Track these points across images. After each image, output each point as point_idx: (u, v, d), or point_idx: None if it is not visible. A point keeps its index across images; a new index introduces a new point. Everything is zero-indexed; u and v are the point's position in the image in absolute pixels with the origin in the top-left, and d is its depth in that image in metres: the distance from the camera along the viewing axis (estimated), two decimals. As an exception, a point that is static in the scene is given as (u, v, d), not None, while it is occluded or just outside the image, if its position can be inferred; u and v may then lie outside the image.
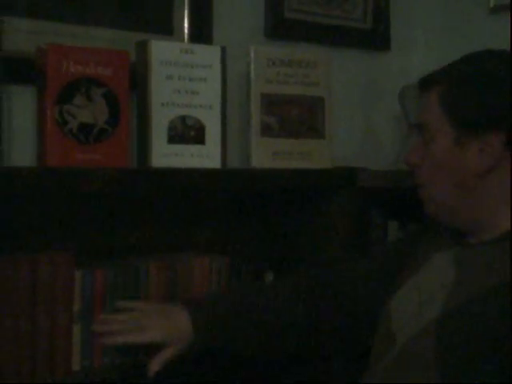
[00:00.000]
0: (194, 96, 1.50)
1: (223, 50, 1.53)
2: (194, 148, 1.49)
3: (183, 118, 1.48)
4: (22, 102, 1.42)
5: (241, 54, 1.61)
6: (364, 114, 2.00)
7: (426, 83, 1.25)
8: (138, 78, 1.47)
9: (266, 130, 1.60)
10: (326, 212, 1.64)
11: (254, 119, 1.59)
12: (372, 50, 2.00)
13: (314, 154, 1.64)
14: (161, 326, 1.27)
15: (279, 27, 1.82)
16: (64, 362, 1.31)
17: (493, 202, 1.19)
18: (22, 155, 1.41)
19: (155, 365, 1.27)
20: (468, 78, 1.20)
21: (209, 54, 1.51)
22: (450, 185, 1.21)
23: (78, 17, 1.52)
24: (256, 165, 1.59)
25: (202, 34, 1.68)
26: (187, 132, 1.49)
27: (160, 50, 1.46)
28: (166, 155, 1.47)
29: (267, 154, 1.60)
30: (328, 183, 1.63)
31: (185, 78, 1.49)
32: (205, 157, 1.51)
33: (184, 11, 1.66)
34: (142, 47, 1.46)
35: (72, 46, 1.38)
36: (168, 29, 1.64)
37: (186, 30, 1.66)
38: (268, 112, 1.60)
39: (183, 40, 1.65)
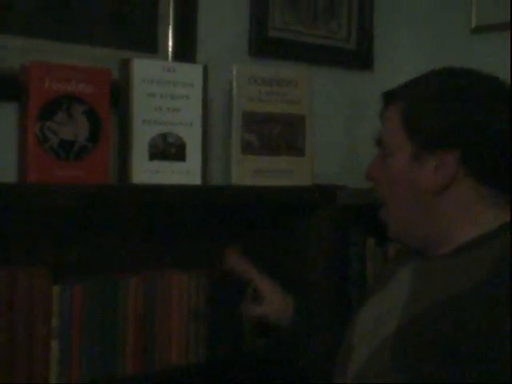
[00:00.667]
0: (176, 113, 1.52)
1: (205, 69, 1.55)
2: (174, 165, 1.51)
3: (164, 136, 1.50)
4: (6, 118, 1.43)
5: (224, 72, 1.63)
6: (347, 133, 2.03)
7: (388, 98, 1.26)
8: (121, 96, 1.49)
9: (247, 148, 1.62)
10: (305, 229, 1.66)
11: (235, 136, 1.61)
12: (355, 70, 2.03)
13: (294, 171, 1.66)
14: (278, 307, 1.43)
15: (263, 46, 1.84)
16: (41, 377, 1.32)
17: (449, 217, 1.19)
18: (5, 171, 1.43)
19: (250, 310, 1.45)
20: (428, 96, 1.20)
21: (191, 73, 1.54)
22: (407, 201, 1.22)
23: (64, 34, 1.53)
24: (236, 182, 1.61)
25: (185, 52, 1.70)
26: (168, 149, 1.51)
27: (142, 68, 1.48)
28: (146, 172, 1.48)
29: (248, 171, 1.62)
30: (307, 201, 1.65)
31: (166, 96, 1.51)
32: (185, 173, 1.52)
33: (168, 29, 1.68)
34: (125, 65, 1.48)
35: (54, 63, 1.39)
36: (152, 47, 1.66)
37: (170, 48, 1.68)
38: (249, 130, 1.62)
39: (167, 58, 1.67)
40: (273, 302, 1.45)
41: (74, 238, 1.42)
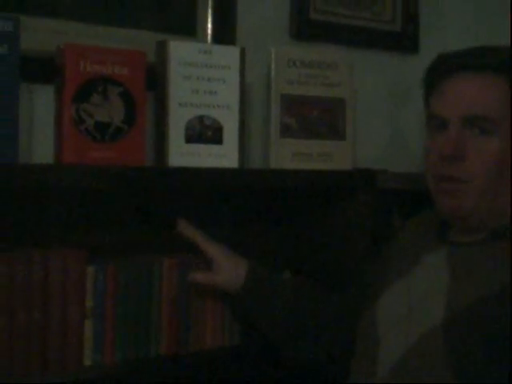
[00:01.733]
0: (212, 96, 1.51)
1: (242, 51, 1.54)
2: (211, 148, 1.50)
3: (201, 118, 1.50)
4: (44, 100, 1.45)
5: (264, 54, 1.62)
6: (391, 117, 1.99)
7: (490, 66, 1.14)
8: (157, 78, 1.48)
9: (286, 131, 1.60)
10: (345, 213, 1.64)
11: (274, 120, 1.59)
12: (401, 53, 1.99)
13: (333, 155, 1.64)
14: (229, 273, 1.38)
15: (304, 28, 1.82)
16: (75, 356, 1.33)
17: None
18: (43, 152, 1.44)
19: (200, 276, 1.39)
20: None
21: (227, 55, 1.52)
22: (506, 182, 1.14)
23: (102, 17, 1.54)
24: (275, 165, 1.59)
25: (225, 34, 1.69)
26: (205, 132, 1.50)
27: (179, 50, 1.48)
28: (183, 154, 1.48)
29: (286, 155, 1.60)
30: (347, 185, 1.62)
31: (203, 79, 1.50)
32: (222, 156, 1.51)
33: (208, 12, 1.67)
34: (162, 47, 1.48)
35: (89, 45, 1.40)
36: (191, 29, 1.66)
37: (209, 31, 1.67)
38: (288, 113, 1.60)
39: (206, 40, 1.66)
40: (222, 268, 1.39)
41: (109, 219, 1.42)
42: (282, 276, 1.56)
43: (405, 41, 1.99)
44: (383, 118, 1.98)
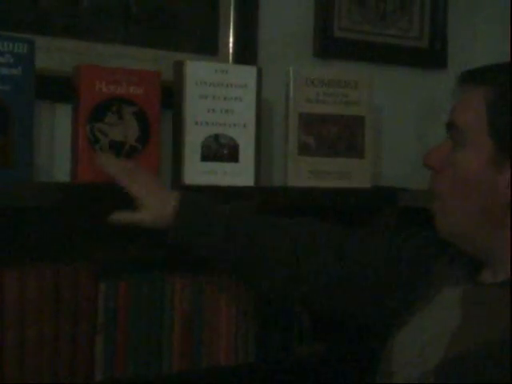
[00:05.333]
0: (229, 115, 1.52)
1: (259, 71, 1.55)
2: (227, 166, 1.52)
3: (217, 137, 1.51)
4: (61, 118, 1.48)
5: (284, 73, 1.62)
6: (418, 134, 1.97)
7: (471, 78, 1.08)
8: (174, 97, 1.50)
9: (304, 149, 1.61)
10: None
11: (292, 138, 1.60)
12: (428, 69, 1.97)
13: (352, 173, 1.64)
14: (155, 209, 1.27)
15: (329, 46, 1.82)
16: (86, 372, 1.35)
17: None
18: (62, 171, 1.47)
19: (121, 216, 1.28)
20: None
21: (245, 74, 1.54)
22: (471, 204, 1.06)
23: (121, 37, 1.57)
24: (293, 183, 1.60)
25: (246, 53, 1.70)
26: (221, 150, 1.52)
27: (196, 69, 1.50)
28: (199, 173, 1.50)
29: (304, 173, 1.61)
30: (367, 203, 1.62)
31: (220, 98, 1.51)
32: (238, 175, 1.53)
33: (229, 30, 1.69)
34: (179, 67, 1.50)
35: (104, 66, 1.43)
36: (212, 48, 1.68)
37: (230, 50, 1.69)
38: (306, 131, 1.61)
39: (228, 60, 1.68)
40: (146, 204, 1.27)
41: (121, 236, 1.44)
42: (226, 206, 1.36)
43: (432, 57, 1.97)
44: (410, 135, 1.96)
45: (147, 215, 1.28)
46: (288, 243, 1.31)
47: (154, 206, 1.28)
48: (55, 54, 1.48)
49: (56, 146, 1.49)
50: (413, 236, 1.32)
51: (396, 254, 1.28)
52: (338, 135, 1.63)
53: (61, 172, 1.47)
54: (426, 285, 1.20)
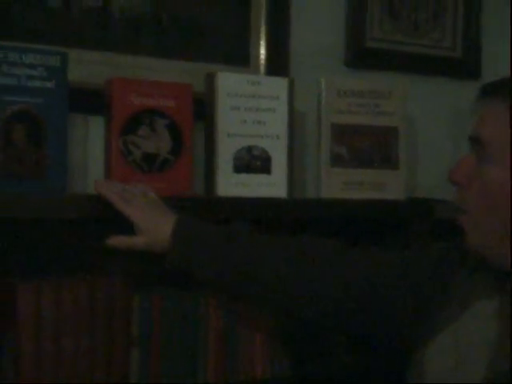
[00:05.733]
0: (261, 126, 1.51)
1: (291, 82, 1.54)
2: (259, 177, 1.51)
3: (249, 148, 1.51)
4: (94, 131, 1.49)
5: (316, 84, 1.62)
6: (452, 144, 1.95)
7: (494, 91, 1.08)
8: (206, 109, 1.50)
9: (337, 160, 1.59)
10: (399, 244, 1.61)
11: (324, 149, 1.59)
12: (461, 79, 1.95)
13: (386, 184, 1.62)
14: (150, 233, 1.25)
15: (360, 57, 1.81)
16: (121, 384, 1.35)
17: None
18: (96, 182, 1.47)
19: (116, 241, 1.27)
20: None
21: (276, 86, 1.53)
22: (501, 221, 1.05)
23: (153, 49, 1.57)
24: (326, 195, 1.58)
25: (278, 64, 1.69)
26: (253, 162, 1.51)
27: (227, 81, 1.49)
28: (231, 184, 1.49)
29: (337, 184, 1.59)
30: (401, 215, 1.60)
31: (252, 109, 1.51)
32: (271, 186, 1.52)
33: (260, 41, 1.68)
34: (210, 79, 1.50)
35: (136, 79, 1.43)
36: (244, 59, 1.67)
37: (261, 61, 1.68)
38: (339, 142, 1.60)
39: (259, 71, 1.67)
40: (141, 229, 1.26)
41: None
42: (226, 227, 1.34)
43: (466, 67, 1.95)
44: (444, 146, 1.94)
45: (142, 239, 1.27)
46: (288, 268, 1.27)
47: (149, 230, 1.26)
48: (87, 67, 1.49)
49: (89, 159, 1.49)
50: (430, 249, 1.31)
51: (414, 268, 1.26)
52: (370, 146, 1.61)
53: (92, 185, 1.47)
54: (448, 298, 1.18)
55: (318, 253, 1.30)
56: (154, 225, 1.26)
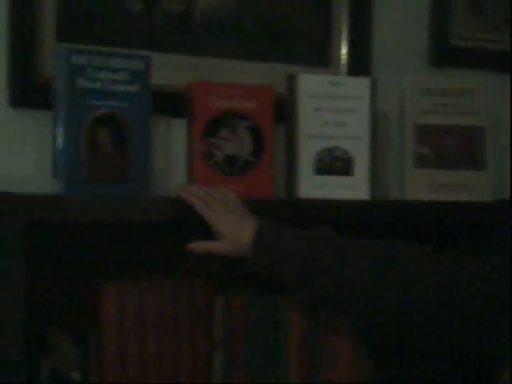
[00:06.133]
0: (342, 127, 1.49)
1: (374, 81, 1.52)
2: (341, 179, 1.49)
3: (331, 150, 1.49)
4: (177, 133, 1.50)
5: (399, 84, 1.59)
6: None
7: None
8: (287, 111, 1.49)
9: (421, 161, 1.56)
10: (486, 248, 1.56)
11: (408, 150, 1.56)
12: (551, 76, 1.88)
13: (472, 186, 1.58)
14: (230, 238, 1.24)
15: (444, 55, 1.77)
16: (204, 386, 1.35)
17: None
18: (177, 185, 1.48)
19: (197, 246, 1.27)
20: None
21: (358, 86, 1.50)
22: None
23: (235, 51, 1.57)
24: (410, 197, 1.55)
25: (359, 64, 1.67)
26: (335, 163, 1.49)
27: (308, 82, 1.48)
28: (312, 186, 1.48)
29: (421, 186, 1.56)
30: (487, 217, 1.55)
31: (333, 110, 1.49)
32: (352, 188, 1.50)
33: (341, 41, 1.66)
34: (291, 80, 1.49)
35: (218, 81, 1.43)
36: (324, 61, 1.65)
37: (343, 61, 1.66)
38: (423, 142, 1.56)
39: (339, 71, 1.65)
40: (222, 234, 1.25)
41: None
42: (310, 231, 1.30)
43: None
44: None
45: (223, 244, 1.26)
46: (371, 273, 1.23)
47: (230, 234, 1.25)
48: (170, 70, 1.50)
49: (172, 161, 1.51)
50: None
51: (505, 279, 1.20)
52: (456, 146, 1.57)
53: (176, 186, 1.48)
54: None
55: (407, 261, 1.25)
56: (234, 229, 1.26)
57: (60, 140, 1.28)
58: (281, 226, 1.28)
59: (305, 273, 1.23)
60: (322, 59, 1.65)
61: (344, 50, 1.66)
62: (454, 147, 1.57)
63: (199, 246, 1.28)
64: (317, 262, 1.24)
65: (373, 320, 1.26)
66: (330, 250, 1.25)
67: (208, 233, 1.29)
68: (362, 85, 1.51)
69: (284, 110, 1.49)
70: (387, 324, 1.24)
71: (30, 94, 1.37)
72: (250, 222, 1.26)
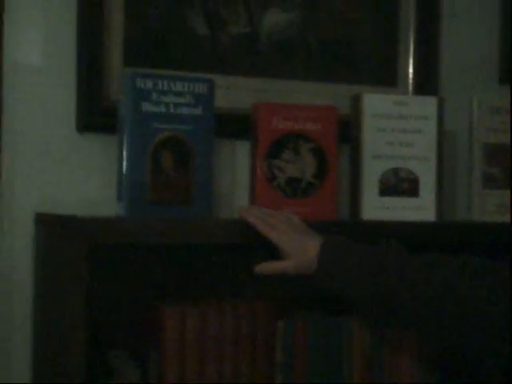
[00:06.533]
0: (408, 148, 1.48)
1: (440, 101, 1.49)
2: (406, 201, 1.47)
3: (396, 170, 1.47)
4: (241, 156, 1.50)
5: (467, 102, 1.56)
6: None
7: None
8: (351, 131, 1.48)
9: (489, 181, 1.53)
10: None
11: (476, 170, 1.53)
12: None
13: (543, 207, 1.53)
14: (297, 256, 1.24)
15: (516, 72, 1.73)
16: (265, 411, 1.34)
17: None
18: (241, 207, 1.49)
19: (264, 267, 1.26)
20: None
21: (424, 105, 1.49)
22: None
23: (300, 72, 1.57)
24: (478, 218, 1.52)
25: (427, 83, 1.65)
26: (400, 184, 1.47)
27: (373, 102, 1.47)
28: (377, 208, 1.46)
29: (490, 207, 1.53)
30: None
31: (398, 130, 1.47)
32: (418, 209, 1.47)
33: (409, 61, 1.65)
34: (356, 100, 1.48)
35: (282, 103, 1.44)
36: (391, 79, 1.64)
37: (410, 80, 1.64)
38: (491, 162, 1.53)
39: (407, 90, 1.63)
40: (288, 253, 1.24)
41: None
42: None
43: None
44: None
45: (290, 263, 1.25)
46: (443, 287, 1.19)
47: (295, 251, 1.25)
48: (234, 92, 1.51)
49: (235, 183, 1.51)
50: None
51: None
52: (526, 166, 1.54)
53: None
54: None
55: (485, 283, 1.20)
56: (299, 246, 1.25)
57: (124, 163, 1.31)
58: (346, 240, 1.27)
59: (373, 286, 1.21)
60: (388, 78, 1.64)
61: (411, 69, 1.65)
62: (523, 167, 1.54)
63: (266, 267, 1.28)
64: (385, 275, 1.21)
65: (445, 334, 1.22)
66: (398, 264, 1.23)
67: (272, 255, 1.29)
68: (428, 104, 1.49)
69: (349, 130, 1.48)
70: (459, 338, 1.21)
71: (96, 118, 1.40)
72: (315, 238, 1.26)
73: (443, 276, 1.20)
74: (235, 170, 1.51)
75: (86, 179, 1.42)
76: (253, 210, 1.32)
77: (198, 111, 1.34)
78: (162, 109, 1.32)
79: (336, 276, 1.23)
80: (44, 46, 1.40)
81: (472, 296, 1.18)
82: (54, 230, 1.25)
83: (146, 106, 1.31)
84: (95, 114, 1.40)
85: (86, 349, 1.15)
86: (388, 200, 1.47)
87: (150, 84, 1.32)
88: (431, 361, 1.44)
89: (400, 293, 1.20)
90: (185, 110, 1.34)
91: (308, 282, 1.26)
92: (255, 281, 1.33)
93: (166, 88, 1.33)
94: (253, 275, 1.29)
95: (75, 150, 1.42)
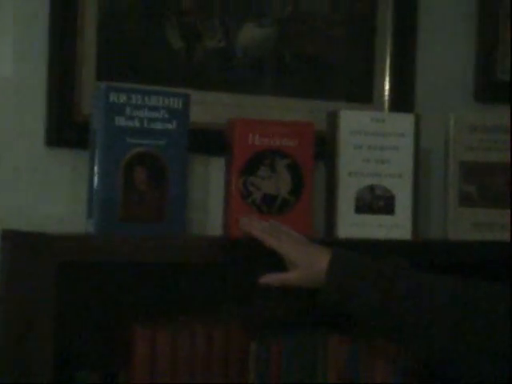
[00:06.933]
0: (384, 165, 1.46)
1: (417, 118, 1.48)
2: (382, 218, 1.46)
3: (372, 188, 1.46)
4: (215, 172, 1.48)
5: (445, 119, 1.55)
6: None
7: None
8: (327, 148, 1.47)
9: (465, 200, 1.52)
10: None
11: (452, 188, 1.52)
12: None
13: (518, 225, 1.53)
14: (305, 269, 1.22)
15: (491, 90, 1.72)
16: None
17: None
18: (215, 224, 1.46)
19: (269, 278, 1.24)
20: None
21: (401, 123, 1.48)
22: None
23: (276, 88, 1.55)
24: (453, 237, 1.51)
25: (402, 100, 1.64)
26: (376, 202, 1.46)
27: (350, 119, 1.46)
28: (353, 225, 1.45)
29: (465, 225, 1.52)
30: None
31: (375, 147, 1.46)
32: (394, 227, 1.46)
33: (385, 78, 1.64)
34: (332, 117, 1.47)
35: (258, 119, 1.42)
36: (367, 97, 1.63)
37: (385, 97, 1.63)
38: (468, 180, 1.53)
39: (383, 107, 1.62)
40: (296, 265, 1.22)
41: (270, 294, 1.41)
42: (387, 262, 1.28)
43: None
44: None
45: (295, 274, 1.23)
46: (452, 310, 1.20)
47: (305, 262, 1.23)
48: (210, 108, 1.49)
49: (209, 200, 1.49)
50: None
51: None
52: (503, 185, 1.53)
53: (214, 226, 1.46)
54: None
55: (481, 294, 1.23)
56: (309, 257, 1.23)
57: (96, 179, 1.28)
58: (354, 253, 1.26)
59: (381, 302, 1.20)
60: (364, 95, 1.63)
61: (387, 86, 1.64)
62: (500, 185, 1.53)
63: (272, 278, 1.26)
64: (393, 291, 1.20)
65: (451, 349, 1.21)
66: (407, 278, 1.22)
67: (249, 273, 1.26)
68: (405, 121, 1.48)
69: (324, 146, 1.47)
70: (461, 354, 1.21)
71: (66, 132, 1.37)
72: (322, 250, 1.24)
73: (452, 292, 1.21)
74: (209, 187, 1.49)
75: (55, 195, 1.39)
76: (254, 221, 1.30)
77: (172, 126, 1.32)
78: (136, 123, 1.30)
79: (346, 289, 1.21)
80: (14, 58, 1.37)
81: (479, 317, 1.18)
82: (22, 248, 1.22)
83: (120, 121, 1.29)
84: (66, 129, 1.37)
85: (53, 369, 1.12)
86: (364, 217, 1.45)
87: (123, 98, 1.29)
88: (407, 374, 1.42)
89: (409, 309, 1.19)
90: (159, 125, 1.31)
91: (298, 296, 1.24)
92: (229, 300, 1.31)
93: (140, 102, 1.30)
94: (227, 294, 1.27)
95: (44, 164, 1.39)
